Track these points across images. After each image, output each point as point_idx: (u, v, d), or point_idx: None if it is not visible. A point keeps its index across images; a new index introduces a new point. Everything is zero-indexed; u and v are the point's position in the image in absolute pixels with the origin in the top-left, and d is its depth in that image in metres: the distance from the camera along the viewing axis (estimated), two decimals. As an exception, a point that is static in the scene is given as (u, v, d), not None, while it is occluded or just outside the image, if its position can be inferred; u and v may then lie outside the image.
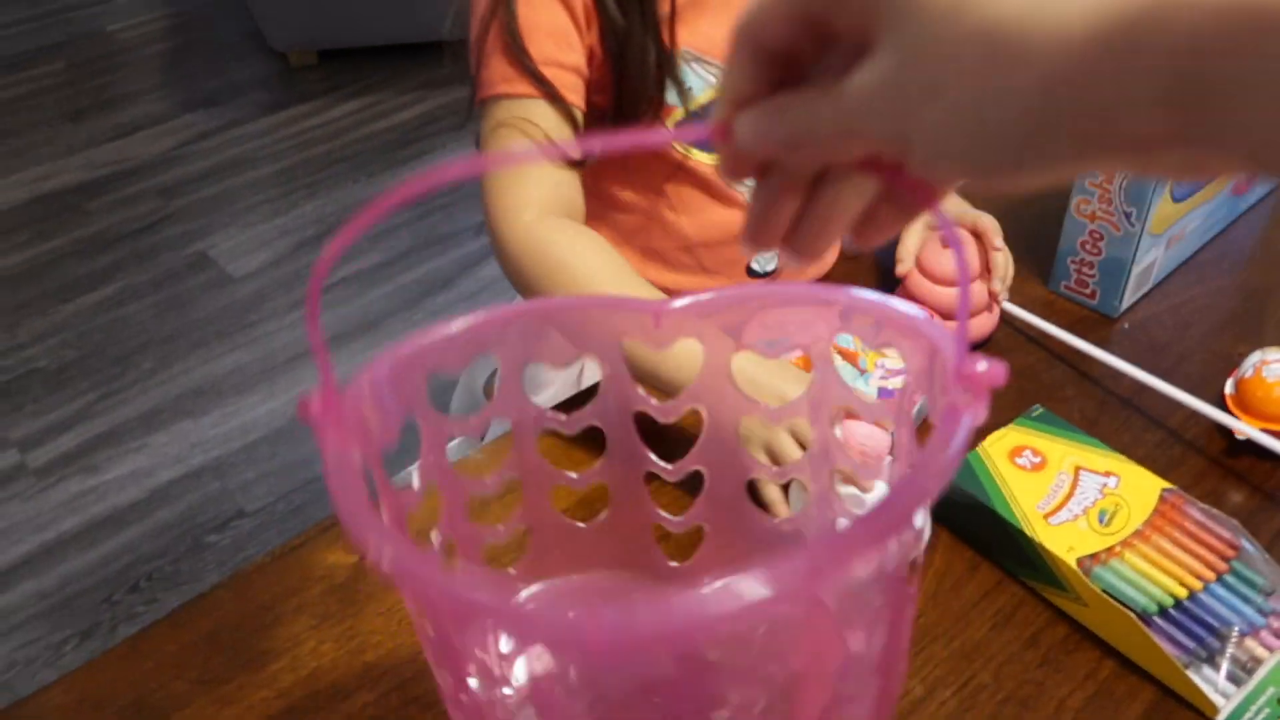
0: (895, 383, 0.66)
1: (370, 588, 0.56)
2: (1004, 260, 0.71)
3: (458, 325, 0.37)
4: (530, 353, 0.39)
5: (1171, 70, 0.22)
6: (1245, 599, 0.52)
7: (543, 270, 0.63)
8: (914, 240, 0.72)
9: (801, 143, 0.28)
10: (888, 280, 0.75)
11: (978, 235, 0.72)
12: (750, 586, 0.22)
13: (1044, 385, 0.69)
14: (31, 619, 1.36)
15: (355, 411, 0.32)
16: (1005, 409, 0.67)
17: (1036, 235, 0.81)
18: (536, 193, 0.65)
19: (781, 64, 0.29)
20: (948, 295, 0.70)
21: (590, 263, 0.63)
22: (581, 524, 0.46)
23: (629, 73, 0.67)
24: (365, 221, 0.27)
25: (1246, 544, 0.54)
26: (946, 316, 0.70)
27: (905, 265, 0.72)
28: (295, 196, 2.15)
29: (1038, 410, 0.62)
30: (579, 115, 0.68)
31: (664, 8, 0.67)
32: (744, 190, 0.74)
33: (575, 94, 0.67)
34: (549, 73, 0.66)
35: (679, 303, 0.39)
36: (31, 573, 1.41)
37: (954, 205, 0.76)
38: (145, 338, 1.80)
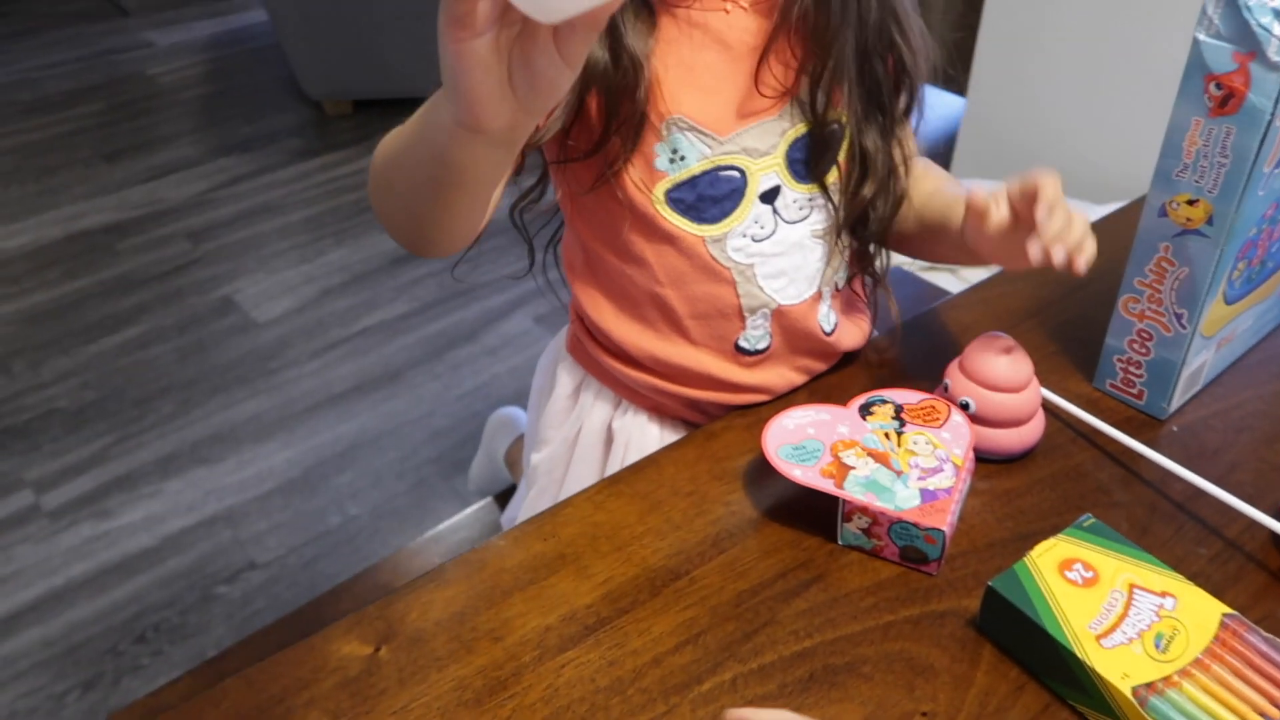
0: (934, 482, 0.63)
1: (384, 683, 0.54)
2: (1067, 221, 0.61)
3: None
4: None
5: None
6: (1312, 738, 0.49)
7: (377, 195, 0.63)
8: (982, 189, 0.65)
9: None
10: (877, 380, 0.73)
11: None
12: None
13: (1091, 488, 0.66)
14: (35, 667, 1.33)
15: None
16: (1052, 513, 0.64)
17: (1080, 326, 0.79)
18: None
19: None
20: (990, 400, 0.68)
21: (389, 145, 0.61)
22: None
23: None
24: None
25: (1312, 676, 0.51)
26: (986, 419, 0.68)
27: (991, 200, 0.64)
28: (323, 244, 2.16)
29: (1088, 520, 0.59)
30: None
31: (655, 70, 0.66)
32: (731, 266, 0.73)
33: None
34: None
35: None
36: (38, 619, 1.39)
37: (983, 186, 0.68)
38: (166, 381, 1.80)
